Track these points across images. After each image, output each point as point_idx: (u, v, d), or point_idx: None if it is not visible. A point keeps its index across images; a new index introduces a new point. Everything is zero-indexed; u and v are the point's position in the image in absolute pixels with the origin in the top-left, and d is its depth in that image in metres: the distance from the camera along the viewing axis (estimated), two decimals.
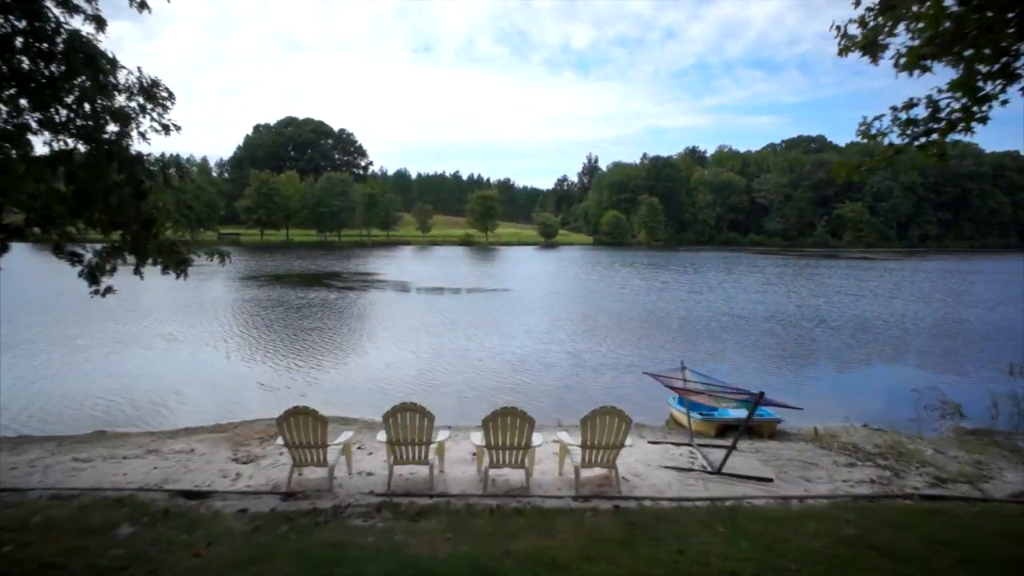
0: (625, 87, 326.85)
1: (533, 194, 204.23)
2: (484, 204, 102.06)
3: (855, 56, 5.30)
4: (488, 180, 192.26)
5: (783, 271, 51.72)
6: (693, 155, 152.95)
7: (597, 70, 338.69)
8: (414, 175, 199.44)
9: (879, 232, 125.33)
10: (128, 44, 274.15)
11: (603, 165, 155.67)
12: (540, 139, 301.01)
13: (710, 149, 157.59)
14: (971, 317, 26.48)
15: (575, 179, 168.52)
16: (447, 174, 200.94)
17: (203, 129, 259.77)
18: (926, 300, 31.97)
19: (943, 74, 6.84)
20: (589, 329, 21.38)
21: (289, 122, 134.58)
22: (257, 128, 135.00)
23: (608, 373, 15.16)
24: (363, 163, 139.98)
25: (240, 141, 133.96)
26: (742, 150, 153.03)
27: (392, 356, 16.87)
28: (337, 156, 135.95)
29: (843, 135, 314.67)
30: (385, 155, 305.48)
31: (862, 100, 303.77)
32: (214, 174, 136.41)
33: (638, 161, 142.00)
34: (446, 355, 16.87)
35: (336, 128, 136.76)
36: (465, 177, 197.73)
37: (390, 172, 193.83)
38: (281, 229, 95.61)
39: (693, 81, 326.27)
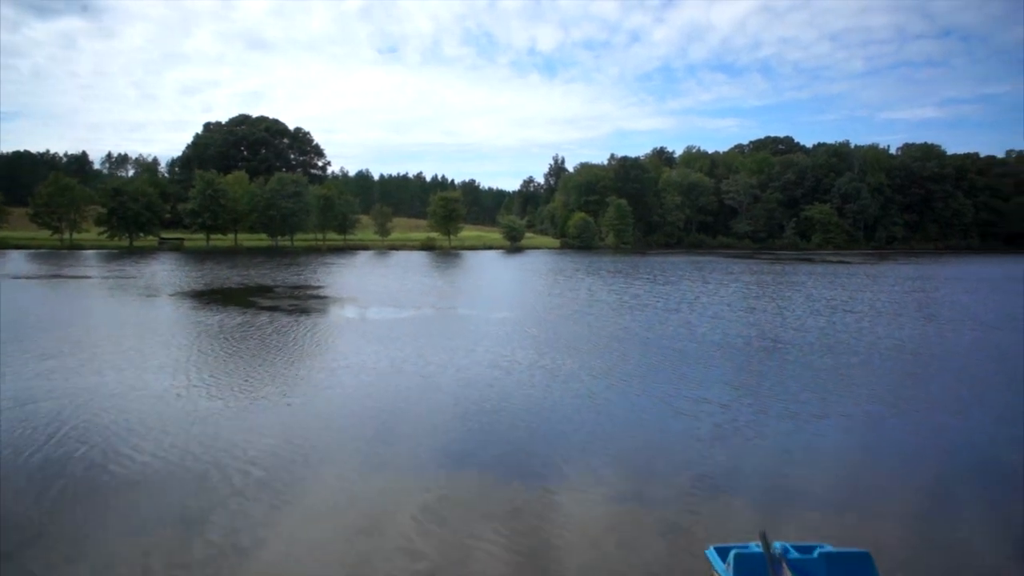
0: (591, 89, 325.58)
1: (499, 196, 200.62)
2: (447, 206, 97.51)
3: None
4: (452, 182, 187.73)
5: (761, 279, 48.47)
6: (661, 156, 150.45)
7: (563, 72, 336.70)
8: (377, 176, 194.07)
9: (847, 234, 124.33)
10: (84, 42, 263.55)
11: (570, 166, 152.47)
12: (507, 141, 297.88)
13: (678, 150, 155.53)
14: None
15: (541, 180, 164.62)
16: (411, 175, 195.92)
17: (162, 129, 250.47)
18: (953, 321, 28.61)
19: None
20: (549, 374, 17.17)
21: (242, 120, 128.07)
22: (207, 126, 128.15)
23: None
24: (320, 163, 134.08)
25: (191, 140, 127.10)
26: (710, 151, 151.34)
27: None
28: (293, 156, 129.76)
29: (808, 137, 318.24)
30: (351, 156, 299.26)
31: (822, 103, 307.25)
32: (166, 175, 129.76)
33: (606, 162, 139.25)
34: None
35: (292, 127, 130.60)
36: (429, 179, 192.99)
37: (352, 173, 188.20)
38: (229, 233, 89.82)
39: (658, 84, 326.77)
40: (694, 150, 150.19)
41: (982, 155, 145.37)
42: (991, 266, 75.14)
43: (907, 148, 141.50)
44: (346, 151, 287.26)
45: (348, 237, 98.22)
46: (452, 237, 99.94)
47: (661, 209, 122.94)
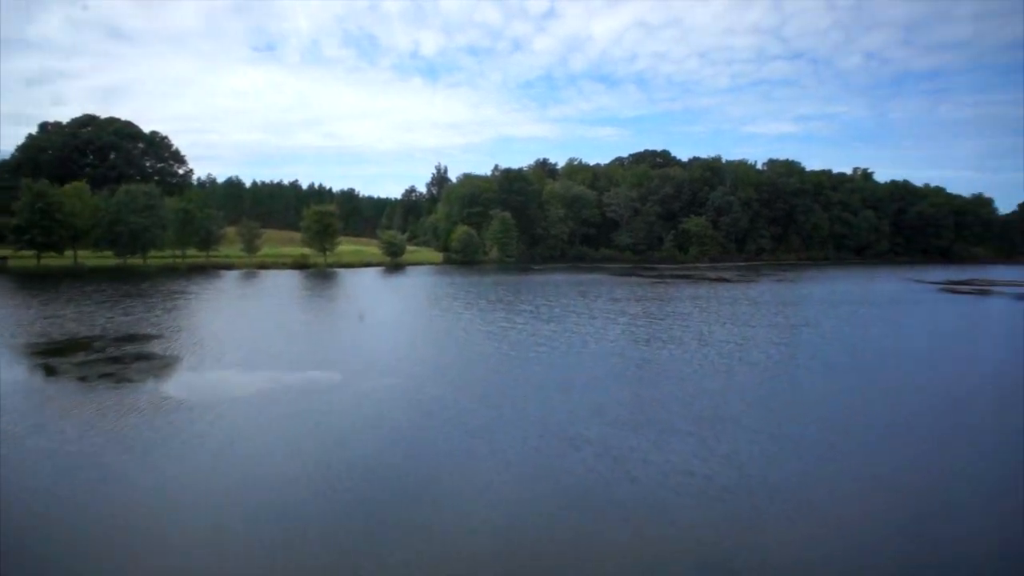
0: (474, 95, 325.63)
1: (380, 205, 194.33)
2: (321, 221, 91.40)
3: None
4: (331, 190, 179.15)
5: (647, 309, 47.46)
6: (544, 167, 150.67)
7: (447, 77, 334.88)
8: (249, 183, 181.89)
9: (721, 246, 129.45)
10: None
11: (454, 175, 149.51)
12: (389, 145, 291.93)
13: (560, 161, 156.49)
14: None
15: (424, 190, 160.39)
16: (285, 183, 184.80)
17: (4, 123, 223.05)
18: (845, 369, 27.81)
19: None
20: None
21: (87, 121, 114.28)
22: (44, 127, 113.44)
23: None
24: (181, 171, 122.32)
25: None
26: (592, 163, 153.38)
27: None
28: (148, 163, 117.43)
29: (683, 149, 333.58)
30: (225, 159, 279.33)
31: (693, 116, 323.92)
32: None
33: (489, 173, 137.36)
34: None
35: (151, 128, 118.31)
36: (306, 186, 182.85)
37: (221, 180, 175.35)
38: (68, 250, 78.91)
39: (540, 92, 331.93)
40: (576, 162, 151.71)
41: (834, 171, 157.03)
42: (848, 282, 79.67)
43: (772, 164, 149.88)
44: (220, 153, 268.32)
45: (211, 254, 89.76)
46: (328, 253, 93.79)
47: (545, 222, 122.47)
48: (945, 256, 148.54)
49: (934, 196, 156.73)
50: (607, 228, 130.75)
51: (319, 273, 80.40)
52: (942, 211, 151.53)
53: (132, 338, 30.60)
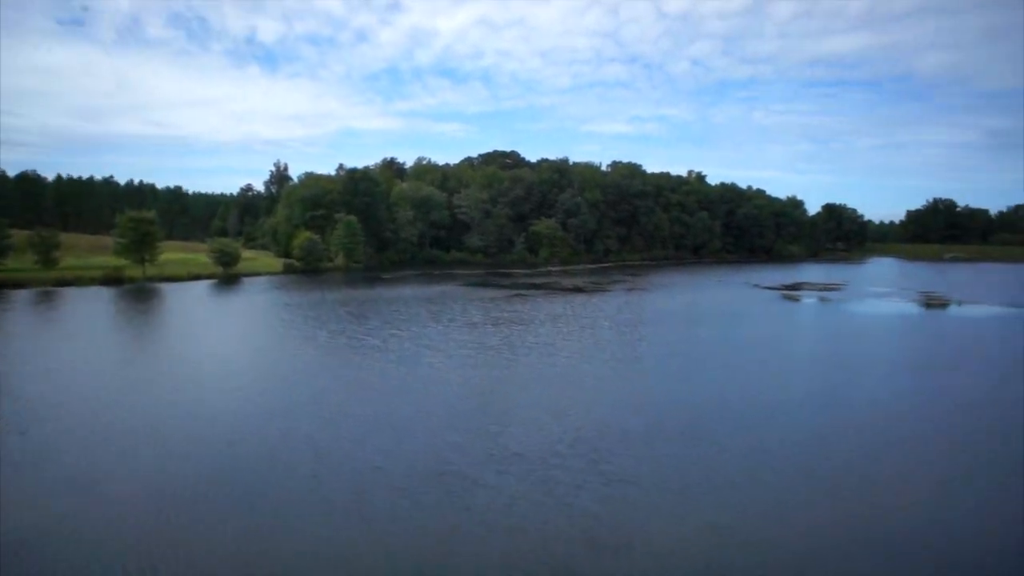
0: (317, 86, 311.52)
1: (214, 202, 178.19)
2: (138, 230, 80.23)
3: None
4: (154, 187, 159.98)
5: (507, 330, 45.14)
6: (392, 167, 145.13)
7: (287, 66, 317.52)
8: (53, 177, 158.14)
9: (571, 247, 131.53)
10: None
11: (296, 169, 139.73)
12: (226, 136, 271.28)
13: (408, 159, 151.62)
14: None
15: (262, 188, 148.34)
16: (98, 178, 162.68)
17: None
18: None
19: None
20: None
21: None
22: None
23: None
24: None
25: None
26: (441, 162, 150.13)
27: None
28: None
29: (528, 146, 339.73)
30: (30, 146, 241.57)
31: (536, 113, 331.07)
32: None
33: (334, 170, 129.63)
34: None
35: None
36: (124, 182, 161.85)
37: (13, 173, 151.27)
38: None
39: (385, 85, 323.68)
40: (425, 162, 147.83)
41: (671, 173, 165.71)
42: (696, 290, 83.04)
43: (616, 166, 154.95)
44: (21, 138, 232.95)
45: None
46: (148, 264, 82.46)
47: (393, 224, 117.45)
48: (768, 254, 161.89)
49: (757, 198, 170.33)
50: (458, 230, 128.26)
51: (136, 290, 70.10)
52: (764, 212, 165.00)
53: None
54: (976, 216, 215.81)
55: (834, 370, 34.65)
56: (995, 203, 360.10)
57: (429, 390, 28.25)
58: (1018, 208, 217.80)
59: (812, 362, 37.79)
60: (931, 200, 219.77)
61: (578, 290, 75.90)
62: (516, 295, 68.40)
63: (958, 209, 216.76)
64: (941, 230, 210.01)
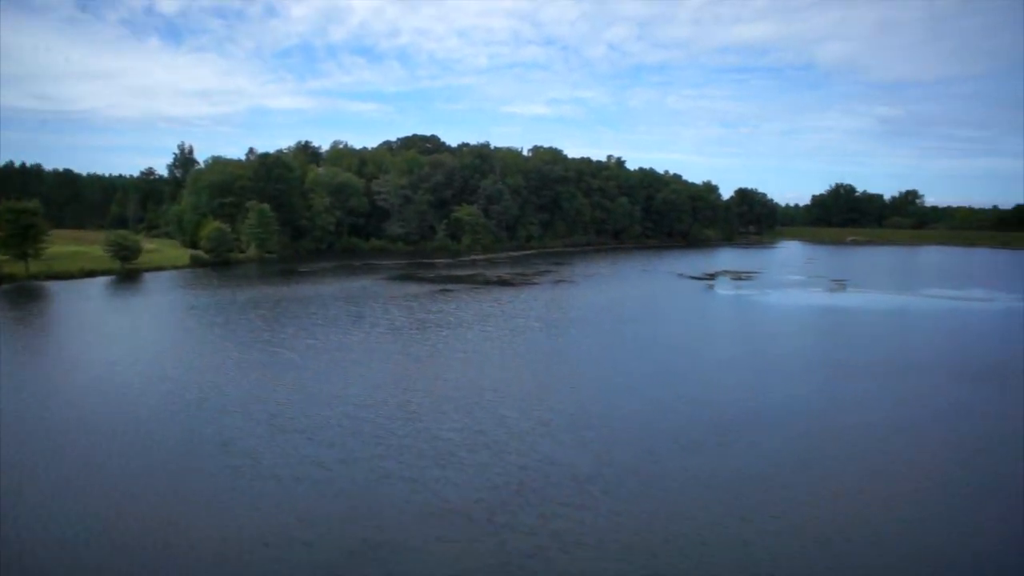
0: (225, 62, 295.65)
1: (112, 185, 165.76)
2: (18, 222, 72.79)
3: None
4: (39, 168, 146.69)
5: (434, 336, 43.38)
6: (306, 151, 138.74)
7: (191, 40, 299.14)
8: None
9: (493, 234, 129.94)
10: None
11: (205, 151, 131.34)
12: (124, 112, 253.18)
13: (324, 143, 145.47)
14: None
15: (165, 172, 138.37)
16: None
17: None
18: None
19: None
20: None
21: None
22: None
23: None
24: None
25: None
26: (358, 147, 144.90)
27: None
28: None
29: (446, 128, 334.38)
30: None
31: (454, 93, 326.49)
32: None
33: (244, 156, 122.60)
34: None
35: None
36: (2, 163, 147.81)
37: None
38: None
39: (298, 62, 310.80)
40: (342, 145, 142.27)
41: (591, 158, 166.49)
42: (622, 281, 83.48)
43: (537, 151, 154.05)
44: None
45: None
46: (32, 261, 74.99)
47: (309, 212, 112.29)
48: (685, 238, 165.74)
49: (675, 183, 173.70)
50: (377, 217, 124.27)
51: (15, 292, 63.45)
52: (682, 197, 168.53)
53: None
54: (873, 200, 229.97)
55: (765, 374, 34.94)
56: (888, 188, 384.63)
57: (357, 429, 26.27)
58: (908, 193, 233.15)
59: (728, 367, 38.12)
60: (833, 185, 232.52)
61: (504, 283, 74.61)
62: (441, 290, 66.39)
63: (857, 194, 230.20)
64: (842, 213, 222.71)
